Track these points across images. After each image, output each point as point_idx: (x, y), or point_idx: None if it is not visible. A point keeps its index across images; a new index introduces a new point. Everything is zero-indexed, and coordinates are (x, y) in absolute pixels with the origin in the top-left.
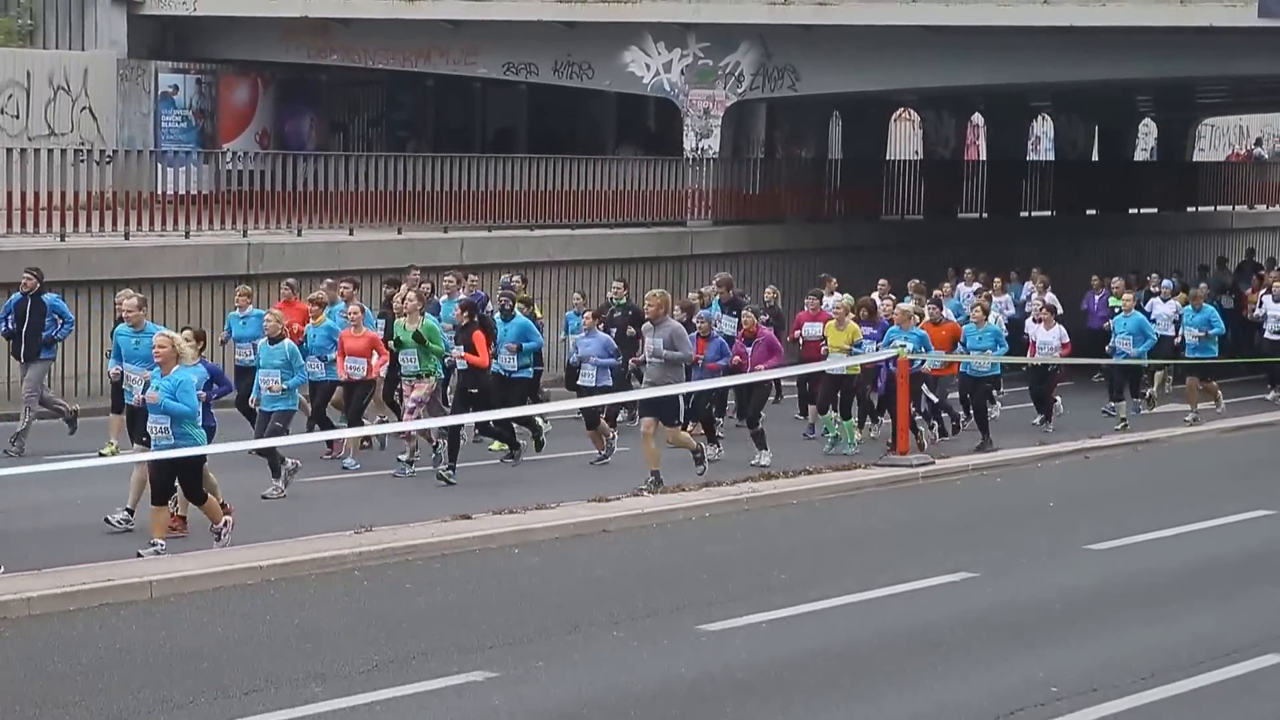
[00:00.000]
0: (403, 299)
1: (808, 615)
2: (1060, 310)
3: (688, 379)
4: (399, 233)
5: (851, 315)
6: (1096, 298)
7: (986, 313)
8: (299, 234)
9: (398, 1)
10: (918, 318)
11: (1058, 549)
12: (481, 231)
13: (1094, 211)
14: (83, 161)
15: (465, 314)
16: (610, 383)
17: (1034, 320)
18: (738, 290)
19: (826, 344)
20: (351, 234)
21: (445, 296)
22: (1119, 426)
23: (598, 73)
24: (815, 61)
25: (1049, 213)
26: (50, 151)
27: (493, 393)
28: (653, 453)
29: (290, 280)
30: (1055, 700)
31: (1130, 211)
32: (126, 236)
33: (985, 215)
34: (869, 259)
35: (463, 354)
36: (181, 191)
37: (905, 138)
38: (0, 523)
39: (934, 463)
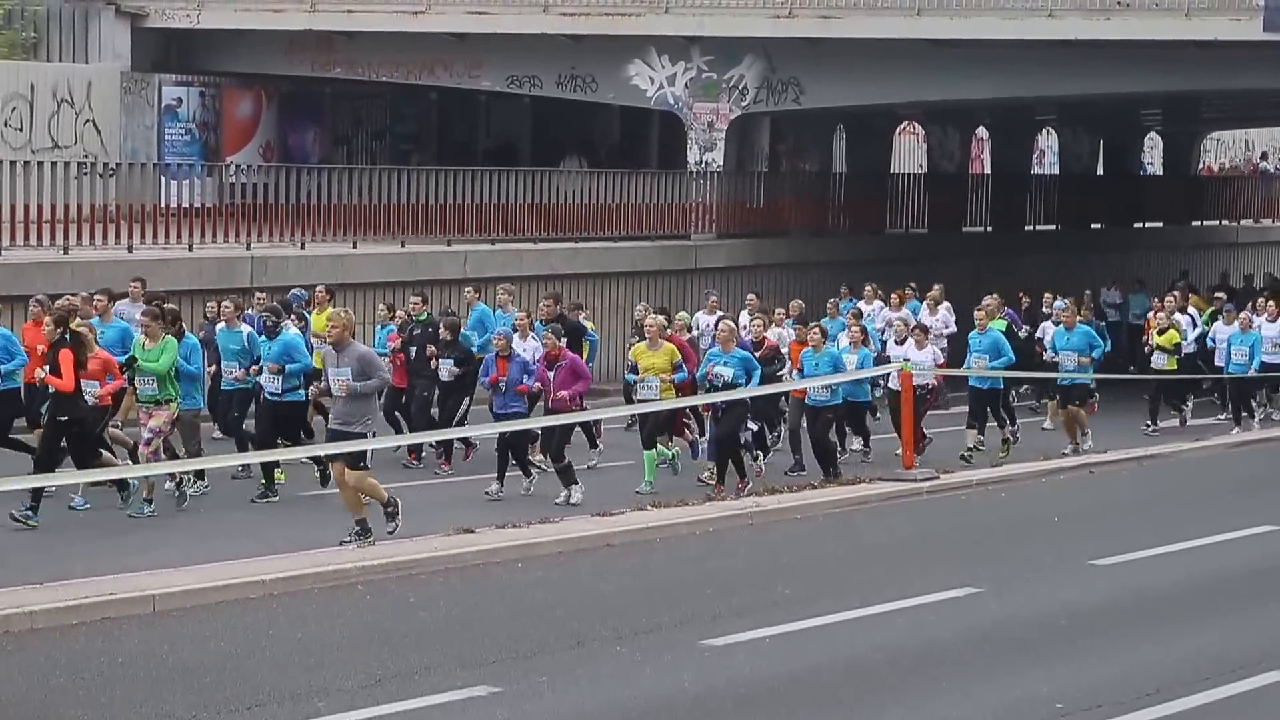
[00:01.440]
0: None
1: (811, 630)
2: (933, 330)
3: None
4: (402, 246)
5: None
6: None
7: (864, 335)
8: (302, 247)
9: (402, 14)
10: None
11: (1062, 564)
12: (485, 245)
13: (1099, 225)
14: (86, 174)
15: (57, 329)
16: (523, 410)
17: (895, 342)
18: (572, 305)
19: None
20: (355, 247)
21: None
22: (1001, 453)
23: (601, 86)
24: (819, 75)
25: (1054, 227)
26: (54, 164)
27: (262, 417)
28: (351, 499)
29: (40, 297)
30: (1060, 716)
31: (1135, 226)
32: (130, 249)
33: (990, 229)
34: (873, 273)
35: (46, 375)
36: (185, 204)
37: (910, 151)
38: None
39: (938, 477)
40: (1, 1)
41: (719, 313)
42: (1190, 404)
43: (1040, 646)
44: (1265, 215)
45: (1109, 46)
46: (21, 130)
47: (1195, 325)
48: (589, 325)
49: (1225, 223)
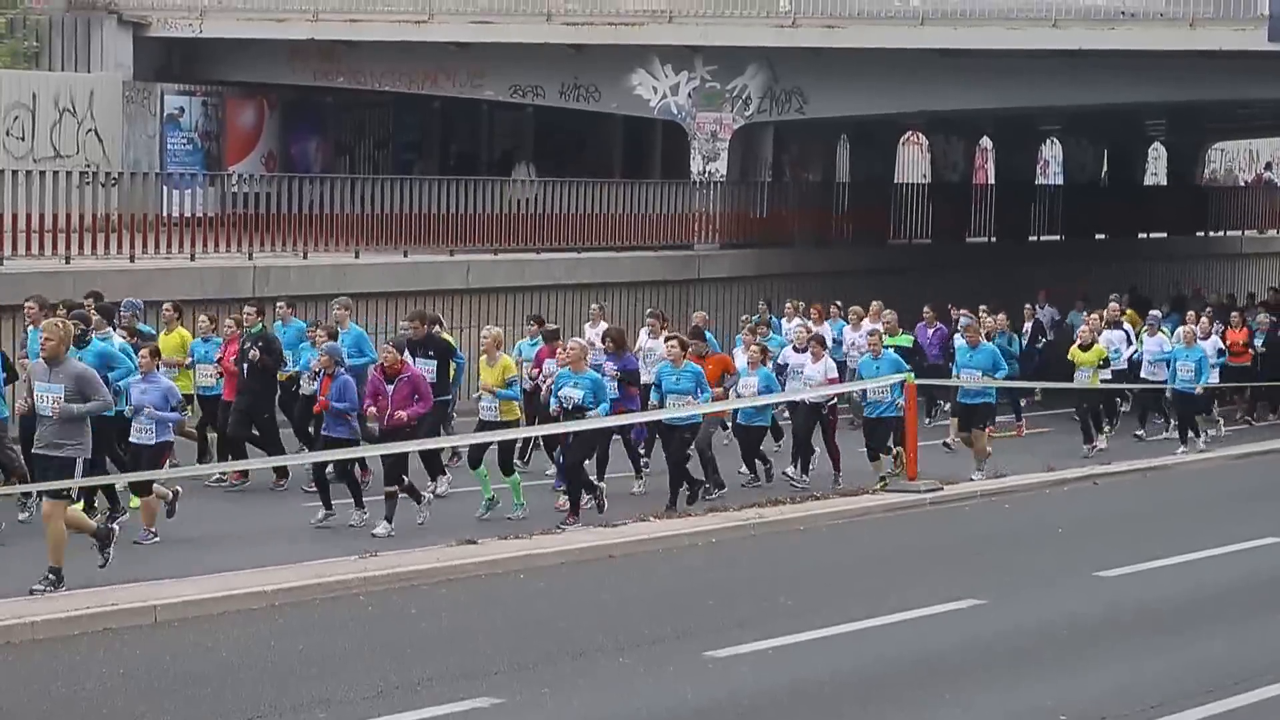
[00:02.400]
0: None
1: (814, 642)
2: (830, 343)
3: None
4: (405, 256)
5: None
6: (930, 331)
7: (764, 353)
8: (305, 257)
9: (404, 24)
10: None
11: (1066, 575)
12: (488, 255)
13: (1103, 236)
14: (88, 184)
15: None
16: (348, 435)
17: (795, 349)
18: (431, 321)
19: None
20: (357, 257)
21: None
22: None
23: (605, 95)
24: (823, 84)
25: (1058, 237)
26: (55, 173)
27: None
28: (55, 536)
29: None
30: None
31: (1140, 236)
32: (132, 259)
33: (994, 239)
34: (877, 283)
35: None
36: (187, 214)
37: (913, 161)
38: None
39: (942, 488)
40: (4, 10)
41: (664, 333)
42: (1113, 425)
43: (1043, 658)
44: (1270, 226)
45: (1113, 57)
46: (24, 139)
47: (1131, 342)
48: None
49: (1230, 233)
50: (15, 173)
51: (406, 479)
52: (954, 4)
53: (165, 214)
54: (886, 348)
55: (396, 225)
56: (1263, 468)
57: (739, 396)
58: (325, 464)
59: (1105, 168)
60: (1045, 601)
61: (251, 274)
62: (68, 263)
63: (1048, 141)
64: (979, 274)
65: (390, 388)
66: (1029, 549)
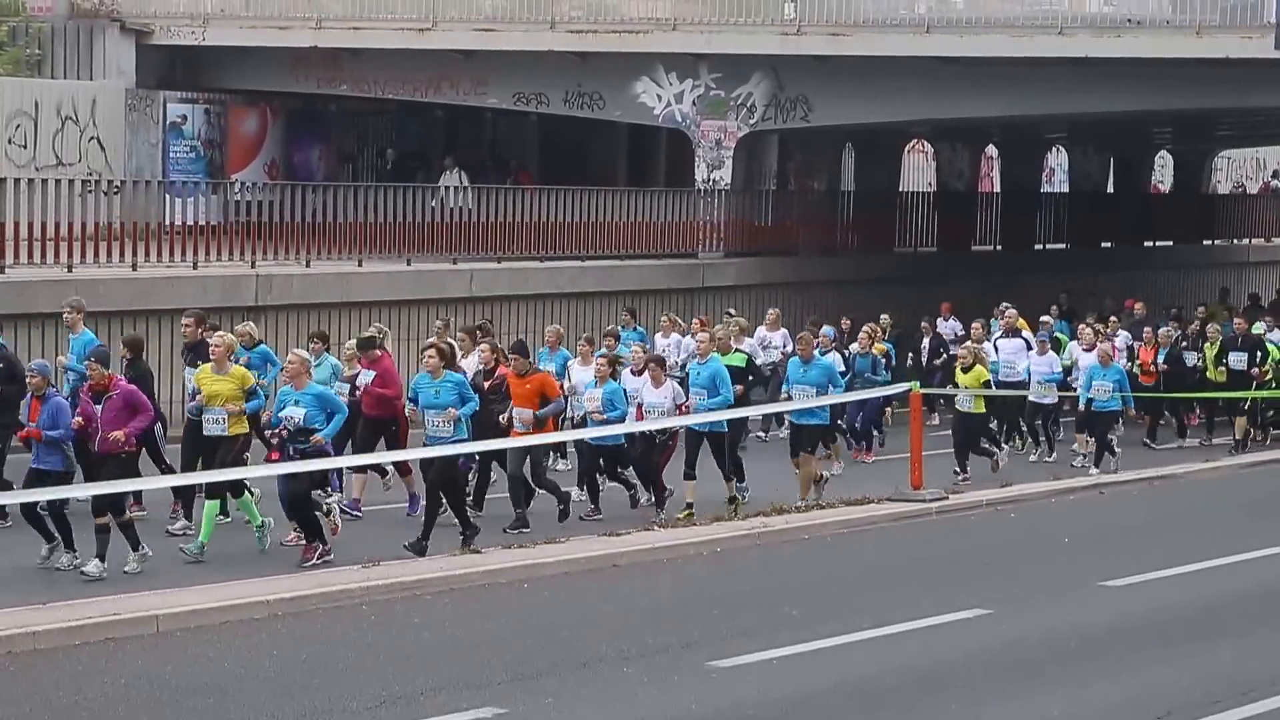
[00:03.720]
0: None
1: (820, 652)
2: (669, 361)
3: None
4: (408, 264)
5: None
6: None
7: (615, 365)
8: (307, 265)
9: (408, 31)
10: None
11: (1072, 585)
12: (491, 263)
13: (1109, 244)
14: (90, 192)
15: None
16: (62, 467)
17: (632, 372)
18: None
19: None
20: (360, 265)
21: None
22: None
23: (609, 103)
24: (828, 92)
25: (1064, 245)
26: (58, 182)
27: None
28: None
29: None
30: None
31: (1146, 244)
32: (134, 268)
33: (999, 248)
34: (882, 292)
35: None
36: (189, 222)
37: (919, 169)
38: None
39: (947, 498)
40: (6, 18)
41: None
42: (1010, 446)
43: (1050, 668)
44: (1277, 234)
45: (1119, 64)
46: (26, 147)
47: (1031, 348)
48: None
49: (1237, 241)
50: (18, 181)
51: (133, 512)
52: (960, 11)
53: (168, 222)
54: (821, 356)
55: (399, 233)
56: (1270, 478)
57: (584, 410)
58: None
59: (1111, 176)
60: (1052, 611)
61: (254, 282)
62: (70, 271)
63: (1054, 149)
64: (984, 283)
65: (99, 407)
66: (1035, 559)
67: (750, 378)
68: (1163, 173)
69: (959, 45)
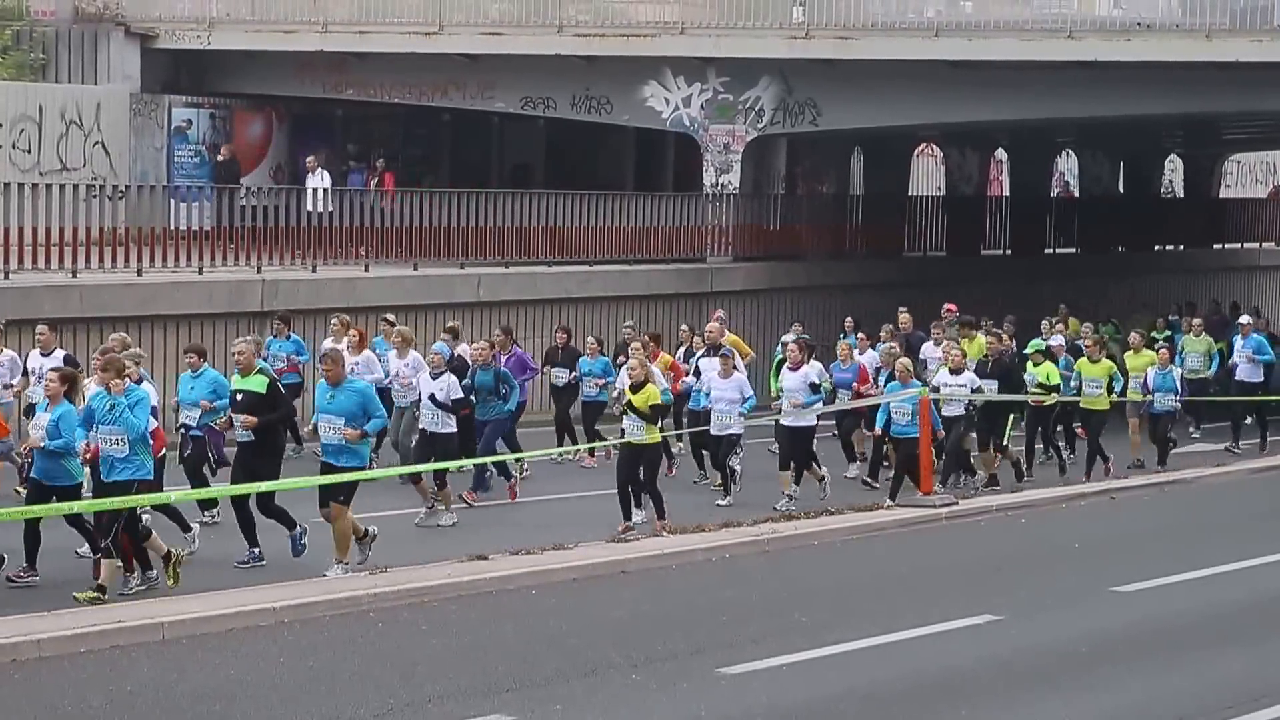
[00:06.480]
0: None
1: (829, 658)
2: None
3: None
4: (415, 269)
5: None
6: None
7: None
8: (314, 270)
9: (414, 36)
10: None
11: (1083, 591)
12: (499, 268)
13: (1119, 248)
14: (95, 197)
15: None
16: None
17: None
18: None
19: None
20: (367, 270)
21: None
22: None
23: (616, 107)
24: (836, 96)
25: (1073, 249)
26: (62, 187)
27: None
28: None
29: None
30: None
31: (1156, 248)
32: (139, 273)
33: (1008, 252)
34: (891, 296)
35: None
36: (195, 227)
37: (928, 173)
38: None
39: (956, 504)
40: (10, 22)
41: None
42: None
43: (1061, 675)
44: None
45: (1129, 68)
46: (30, 152)
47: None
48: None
49: (1247, 245)
50: (22, 186)
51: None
52: (968, 15)
53: (173, 227)
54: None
55: (406, 238)
56: None
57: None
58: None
59: (1121, 179)
60: (1063, 618)
61: (260, 287)
62: (74, 276)
63: (1063, 153)
64: (994, 288)
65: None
66: (1046, 565)
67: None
68: (1173, 177)
69: (967, 49)
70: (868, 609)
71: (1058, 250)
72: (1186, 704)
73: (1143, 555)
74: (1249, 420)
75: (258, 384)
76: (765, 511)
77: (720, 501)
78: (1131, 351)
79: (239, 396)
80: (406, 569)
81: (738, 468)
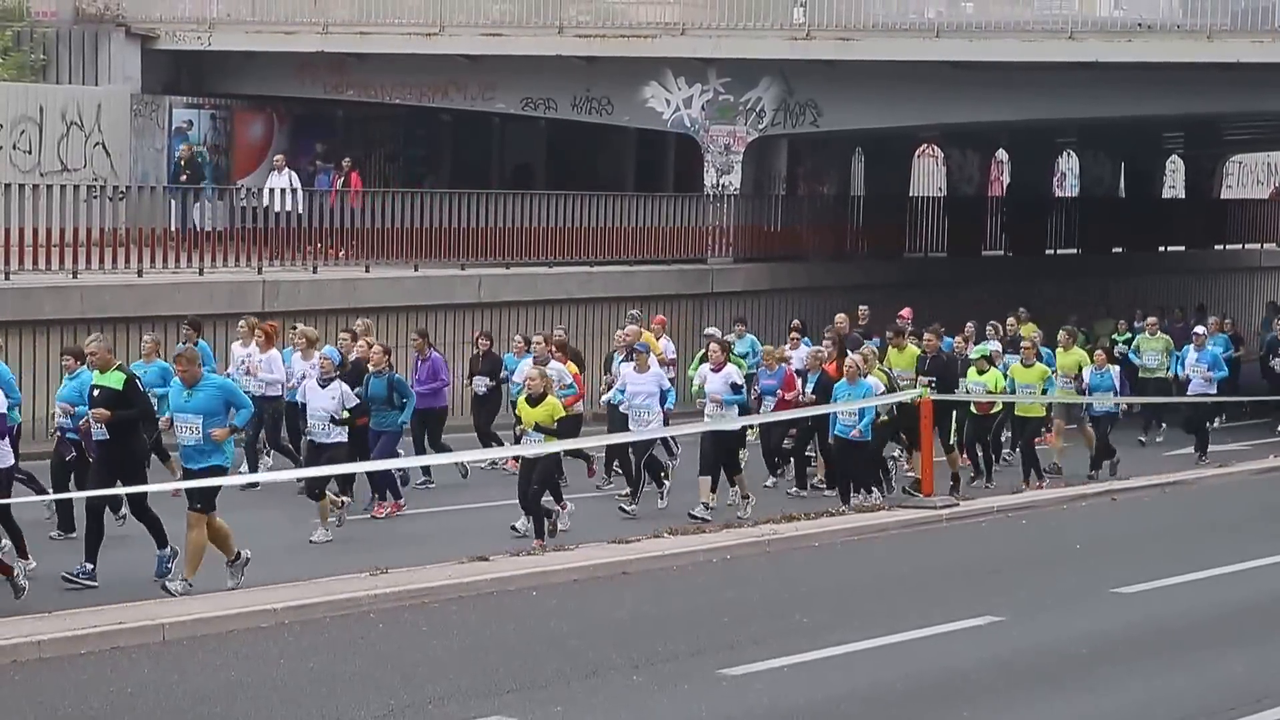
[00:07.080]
0: None
1: (831, 659)
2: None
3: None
4: (415, 270)
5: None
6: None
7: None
8: (314, 271)
9: (415, 36)
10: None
11: (1084, 592)
12: (499, 269)
13: (1121, 249)
14: (95, 197)
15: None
16: None
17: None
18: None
19: None
20: (368, 271)
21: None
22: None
23: (617, 108)
24: (837, 97)
25: (1075, 250)
26: (63, 187)
27: None
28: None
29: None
30: None
31: (1158, 249)
32: (140, 274)
33: (1009, 253)
34: (892, 297)
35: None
36: (195, 228)
37: (929, 174)
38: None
39: (958, 504)
40: (10, 23)
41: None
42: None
43: (1062, 676)
44: None
45: (1130, 69)
46: (30, 153)
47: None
48: None
49: (1248, 246)
50: (22, 186)
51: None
52: (969, 16)
53: (173, 228)
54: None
55: (407, 239)
56: None
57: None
58: None
59: (1122, 180)
60: (1064, 619)
61: (260, 288)
62: (75, 277)
63: (1064, 154)
64: (996, 288)
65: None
66: (1047, 566)
67: None
68: (1174, 177)
69: (969, 50)
70: (869, 610)
71: (1059, 251)
72: (1188, 705)
73: (1144, 556)
74: (1214, 424)
75: (115, 380)
76: (681, 521)
77: (626, 506)
78: (1060, 349)
79: (96, 393)
80: (407, 570)
81: (666, 461)
